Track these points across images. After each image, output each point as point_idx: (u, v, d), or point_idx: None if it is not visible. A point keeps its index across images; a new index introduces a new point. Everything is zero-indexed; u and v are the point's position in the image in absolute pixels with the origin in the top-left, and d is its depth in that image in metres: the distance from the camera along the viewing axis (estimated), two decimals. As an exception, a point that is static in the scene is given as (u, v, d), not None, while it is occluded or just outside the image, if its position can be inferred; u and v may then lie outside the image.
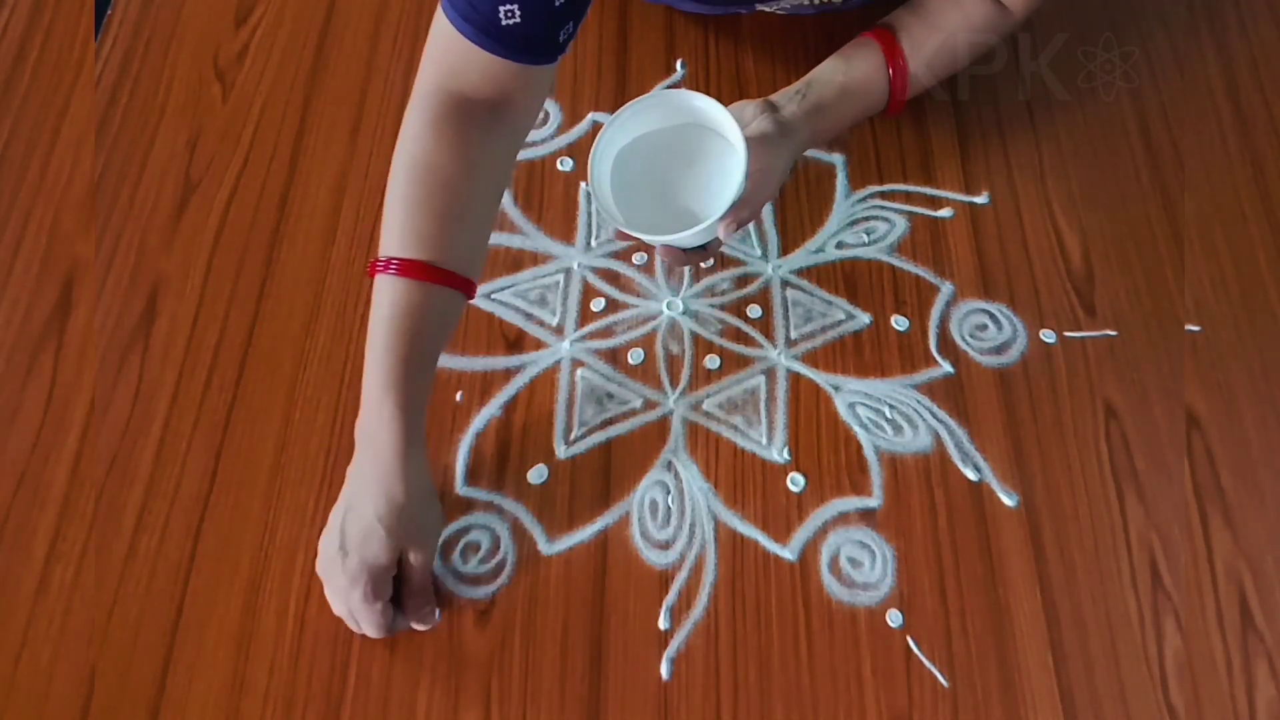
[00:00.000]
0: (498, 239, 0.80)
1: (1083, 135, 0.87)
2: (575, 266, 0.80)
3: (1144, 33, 0.92)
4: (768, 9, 0.85)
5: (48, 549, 0.67)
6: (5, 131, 0.84)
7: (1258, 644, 0.66)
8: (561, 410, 0.73)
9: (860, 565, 0.68)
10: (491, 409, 0.73)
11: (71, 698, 0.62)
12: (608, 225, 0.81)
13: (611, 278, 0.79)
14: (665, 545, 0.69)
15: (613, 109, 0.78)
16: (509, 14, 0.60)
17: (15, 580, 0.66)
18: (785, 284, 0.79)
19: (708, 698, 0.64)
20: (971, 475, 0.71)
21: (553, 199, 0.83)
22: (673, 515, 0.70)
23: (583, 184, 0.83)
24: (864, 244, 0.81)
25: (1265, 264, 0.80)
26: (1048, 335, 0.77)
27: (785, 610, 0.66)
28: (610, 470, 0.71)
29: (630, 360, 0.76)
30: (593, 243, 0.81)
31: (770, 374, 0.75)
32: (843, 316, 0.78)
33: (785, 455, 0.72)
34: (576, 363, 0.75)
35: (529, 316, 0.77)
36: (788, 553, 0.68)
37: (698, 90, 0.71)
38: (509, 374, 0.75)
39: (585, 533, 0.69)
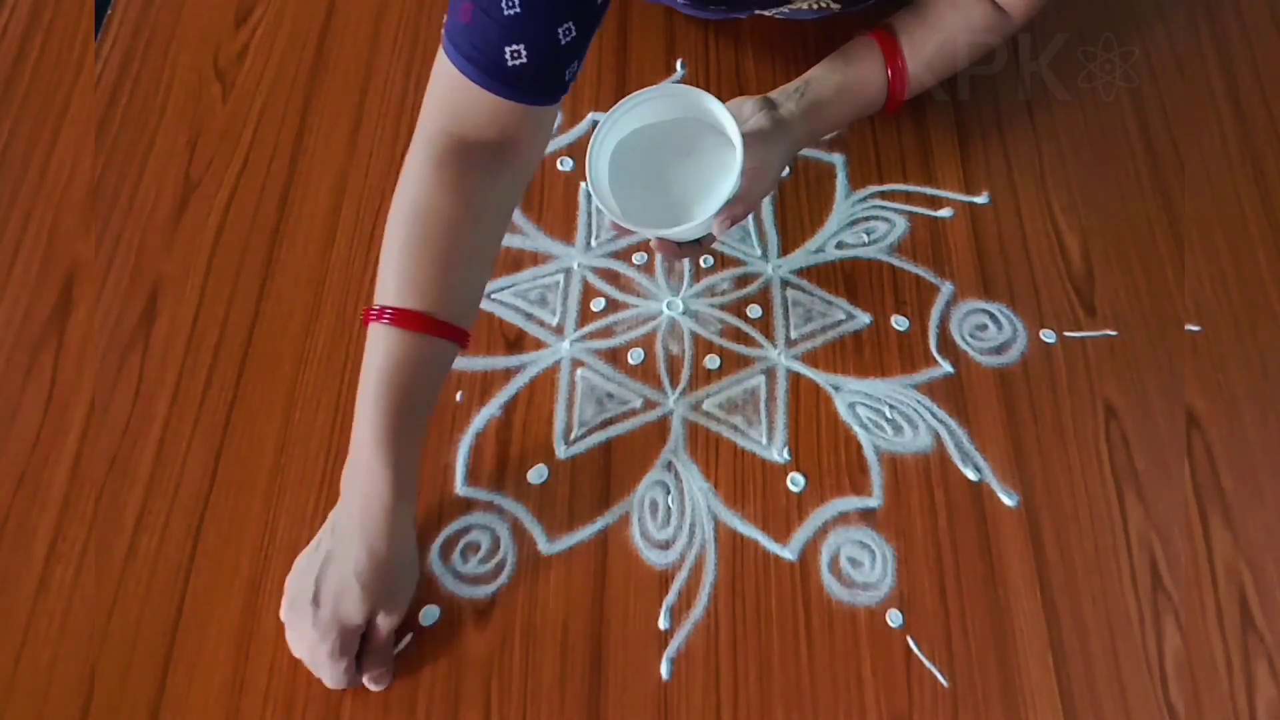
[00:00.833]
0: (498, 239, 0.80)
1: (1083, 135, 0.87)
2: (575, 266, 0.80)
3: (1144, 33, 0.92)
4: (766, 14, 0.85)
5: (48, 549, 0.67)
6: (5, 131, 0.84)
7: (1258, 644, 0.66)
8: (561, 410, 0.73)
9: (860, 565, 0.68)
10: (491, 409, 0.73)
11: (71, 698, 0.62)
12: (605, 219, 0.81)
13: (611, 277, 0.79)
14: (665, 545, 0.69)
15: (612, 109, 0.78)
16: (515, 54, 0.59)
17: (15, 580, 0.66)
18: (785, 284, 0.79)
19: (708, 698, 0.64)
20: (971, 475, 0.71)
21: (553, 199, 0.83)
22: (673, 515, 0.70)
23: (583, 184, 0.83)
24: (864, 244, 0.81)
25: (1265, 264, 0.80)
26: (1048, 335, 0.77)
27: (785, 610, 0.66)
28: (610, 470, 0.71)
29: (630, 360, 0.76)
30: (593, 242, 0.81)
31: (770, 374, 0.75)
32: (843, 316, 0.78)
33: (785, 455, 0.72)
34: (576, 363, 0.75)
35: (529, 316, 0.77)
36: (788, 553, 0.68)
37: (698, 90, 0.71)
38: (509, 374, 0.75)
39: (585, 533, 0.69)
